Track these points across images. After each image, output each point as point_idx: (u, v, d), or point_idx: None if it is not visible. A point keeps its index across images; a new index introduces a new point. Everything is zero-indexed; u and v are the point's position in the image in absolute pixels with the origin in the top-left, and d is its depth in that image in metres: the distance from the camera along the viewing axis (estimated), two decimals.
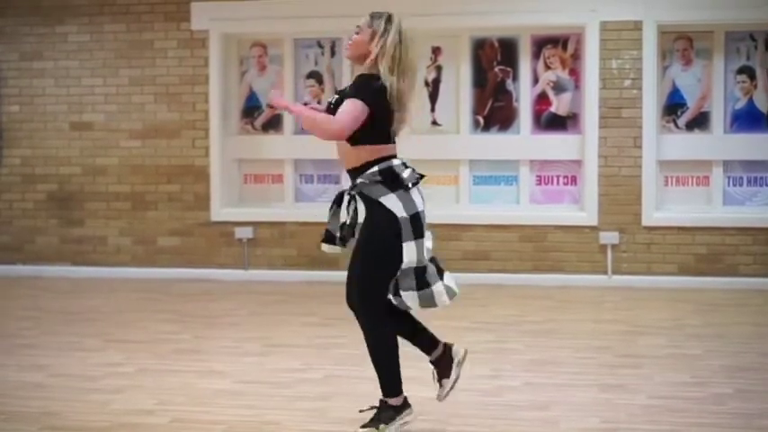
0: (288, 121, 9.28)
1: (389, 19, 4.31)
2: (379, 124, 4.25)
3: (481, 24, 8.86)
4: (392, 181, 4.26)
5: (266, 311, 7.65)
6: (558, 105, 8.92)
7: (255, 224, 9.25)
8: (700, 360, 5.83)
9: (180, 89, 9.32)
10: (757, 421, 4.59)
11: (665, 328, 6.82)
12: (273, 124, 9.39)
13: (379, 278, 4.28)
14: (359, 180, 4.28)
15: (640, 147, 8.62)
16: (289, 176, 9.32)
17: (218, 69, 9.24)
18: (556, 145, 8.86)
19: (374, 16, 4.33)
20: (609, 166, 8.68)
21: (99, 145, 9.49)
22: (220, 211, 9.29)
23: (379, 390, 4.38)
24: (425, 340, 4.49)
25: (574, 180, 8.91)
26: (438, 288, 4.30)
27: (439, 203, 8.88)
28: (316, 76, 9.31)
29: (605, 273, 8.71)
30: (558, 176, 8.95)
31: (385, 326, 4.34)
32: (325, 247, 4.54)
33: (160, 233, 9.41)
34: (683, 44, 8.71)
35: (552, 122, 8.93)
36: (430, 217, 4.42)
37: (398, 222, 4.22)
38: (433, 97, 9.10)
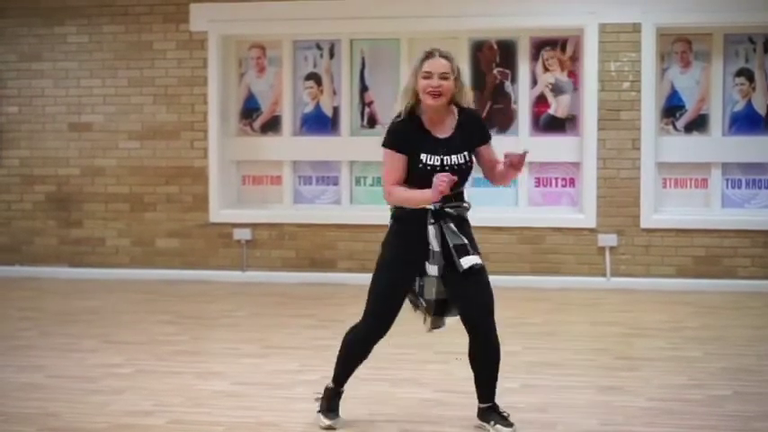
0: (286, 123, 9.28)
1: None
2: None
3: (480, 26, 8.86)
4: None
5: (264, 313, 7.65)
6: (557, 107, 8.92)
7: (254, 226, 9.24)
8: (698, 362, 5.83)
9: (179, 90, 9.32)
10: (755, 423, 4.59)
11: (664, 331, 6.82)
12: (272, 126, 9.39)
13: None
14: (461, 204, 4.72)
15: (639, 149, 8.62)
16: (287, 178, 9.32)
17: (217, 71, 9.23)
18: (554, 147, 8.86)
19: (449, 58, 4.32)
20: (607, 169, 8.68)
21: (98, 146, 9.49)
22: (219, 213, 9.28)
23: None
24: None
25: (572, 182, 8.92)
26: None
27: None
28: (314, 77, 9.30)
29: (604, 275, 8.71)
30: (556, 178, 8.95)
31: None
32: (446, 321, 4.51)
33: (159, 234, 9.40)
34: (681, 46, 8.72)
35: (551, 124, 8.93)
36: None
37: None
38: None
